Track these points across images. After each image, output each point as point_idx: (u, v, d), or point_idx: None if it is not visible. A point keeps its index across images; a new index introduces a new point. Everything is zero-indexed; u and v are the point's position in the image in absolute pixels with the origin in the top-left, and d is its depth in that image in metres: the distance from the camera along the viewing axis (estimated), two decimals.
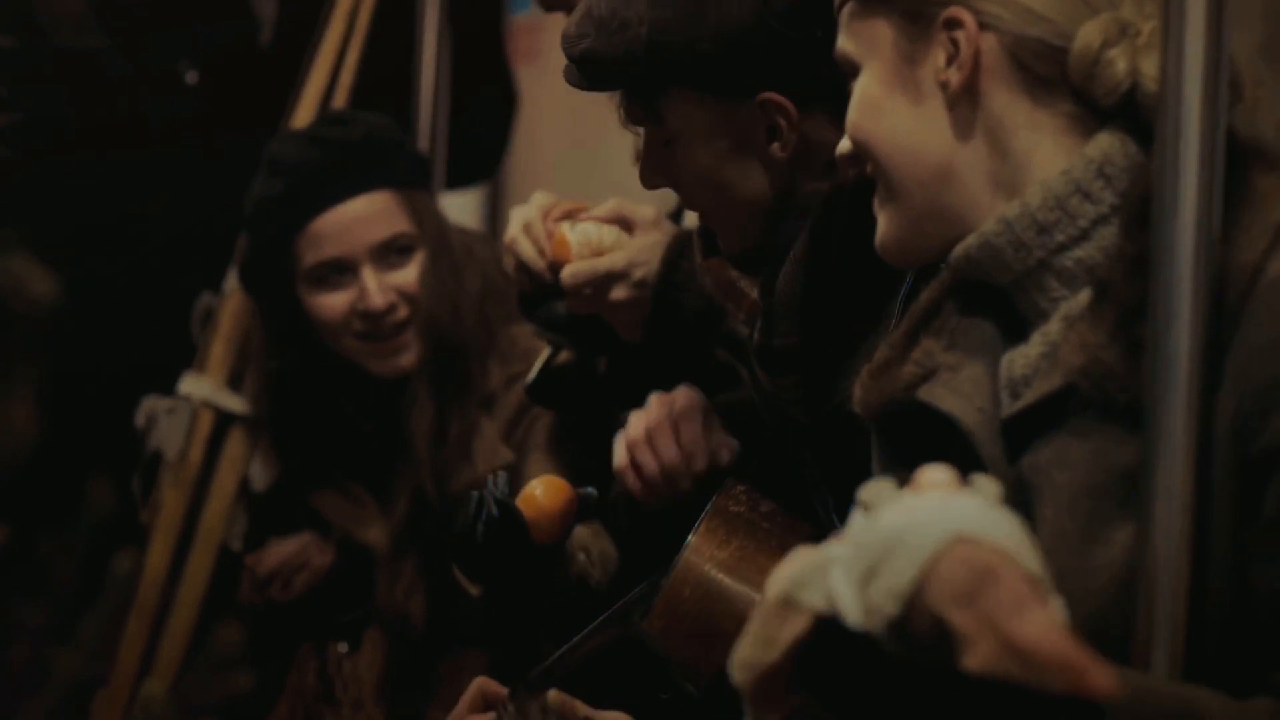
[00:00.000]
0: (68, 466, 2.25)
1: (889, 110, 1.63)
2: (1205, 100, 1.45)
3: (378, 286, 2.78)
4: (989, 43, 1.58)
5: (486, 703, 1.88)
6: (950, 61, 1.59)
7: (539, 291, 2.43)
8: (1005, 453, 1.56)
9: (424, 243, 2.81)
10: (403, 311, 2.80)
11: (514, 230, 2.45)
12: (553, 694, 1.73)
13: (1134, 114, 1.56)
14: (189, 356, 3.09)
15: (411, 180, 2.85)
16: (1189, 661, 1.45)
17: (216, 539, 3.00)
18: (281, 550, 2.90)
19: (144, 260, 3.14)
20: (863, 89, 1.66)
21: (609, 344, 2.40)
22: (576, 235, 2.32)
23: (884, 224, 1.67)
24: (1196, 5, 1.45)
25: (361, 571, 2.85)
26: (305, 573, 2.88)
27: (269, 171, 2.82)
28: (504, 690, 1.86)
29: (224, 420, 3.04)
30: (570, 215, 2.39)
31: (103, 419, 3.01)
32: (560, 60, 2.08)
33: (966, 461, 1.56)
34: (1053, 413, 1.53)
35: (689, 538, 1.81)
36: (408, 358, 2.81)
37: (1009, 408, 1.57)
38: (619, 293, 2.30)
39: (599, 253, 2.30)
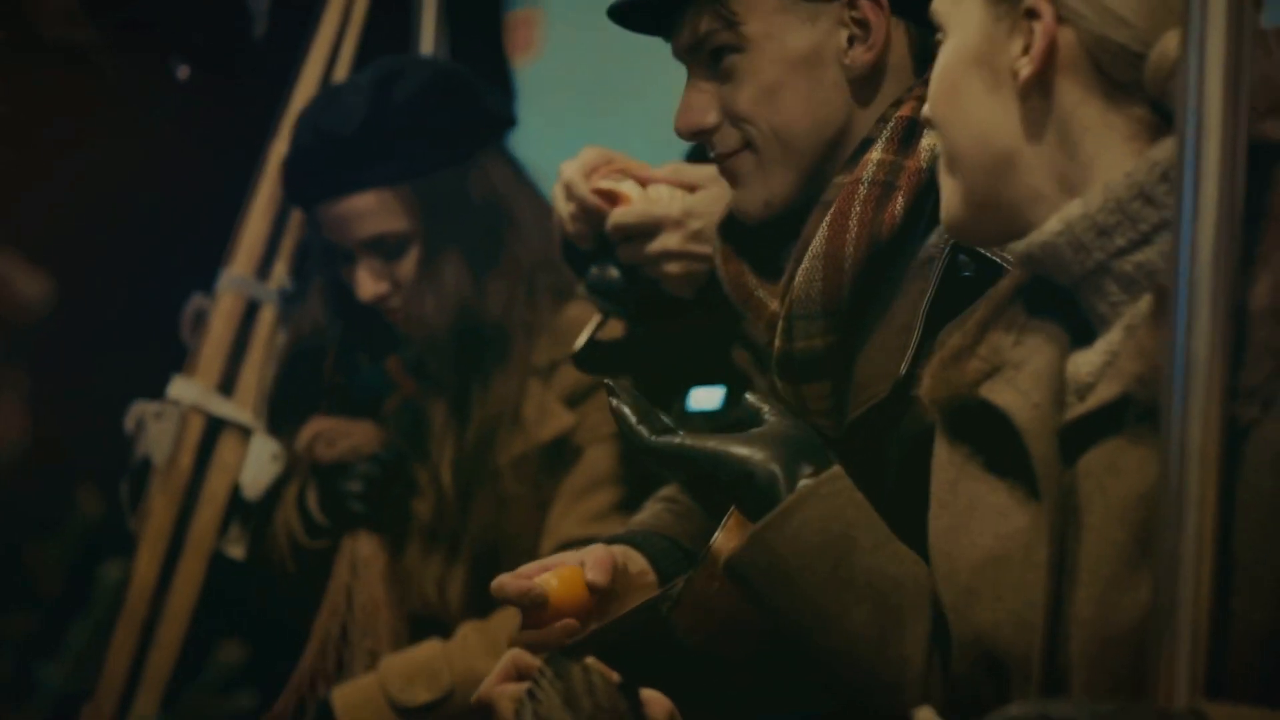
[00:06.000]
0: (55, 472, 2.20)
1: (964, 90, 1.60)
2: (1227, 101, 1.42)
3: (370, 276, 2.82)
4: (1067, 38, 1.55)
5: (519, 673, 1.85)
6: (1025, 51, 1.56)
7: (589, 252, 2.37)
8: (1063, 456, 1.54)
9: (420, 239, 2.80)
10: (396, 300, 2.84)
11: (562, 187, 2.38)
12: (590, 660, 1.70)
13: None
14: (179, 360, 3.05)
15: (419, 171, 2.81)
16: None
17: (207, 547, 2.95)
18: (337, 420, 2.93)
19: (134, 260, 3.10)
20: (944, 60, 1.63)
21: (661, 312, 2.34)
22: (648, 194, 2.28)
23: (946, 197, 1.65)
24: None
25: (401, 470, 2.88)
26: (351, 439, 2.89)
27: (292, 131, 2.86)
28: (536, 661, 1.81)
29: (214, 425, 2.99)
30: (621, 174, 2.34)
31: (91, 423, 2.96)
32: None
33: (1022, 456, 1.55)
34: (1112, 420, 1.51)
35: (717, 531, 1.76)
36: (407, 327, 2.86)
37: (1070, 412, 1.55)
38: (671, 240, 2.25)
39: None
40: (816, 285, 1.93)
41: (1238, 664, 1.42)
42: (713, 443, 1.71)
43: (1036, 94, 1.56)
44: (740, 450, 1.70)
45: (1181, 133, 1.44)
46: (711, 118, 2.02)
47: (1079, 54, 1.55)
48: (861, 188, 1.93)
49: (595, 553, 1.97)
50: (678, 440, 1.73)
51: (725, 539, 1.81)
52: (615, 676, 1.68)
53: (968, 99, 1.60)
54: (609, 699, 1.64)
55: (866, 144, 1.96)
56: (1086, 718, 1.34)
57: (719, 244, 2.10)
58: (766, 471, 1.68)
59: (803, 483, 1.67)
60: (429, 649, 2.76)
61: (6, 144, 3.11)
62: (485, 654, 2.71)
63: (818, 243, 1.93)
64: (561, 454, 2.80)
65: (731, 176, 2.05)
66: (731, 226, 2.09)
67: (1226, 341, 1.43)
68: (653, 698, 1.70)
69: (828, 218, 1.93)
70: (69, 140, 3.10)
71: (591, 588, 1.93)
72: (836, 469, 1.69)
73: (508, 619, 2.74)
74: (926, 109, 1.66)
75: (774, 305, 2.01)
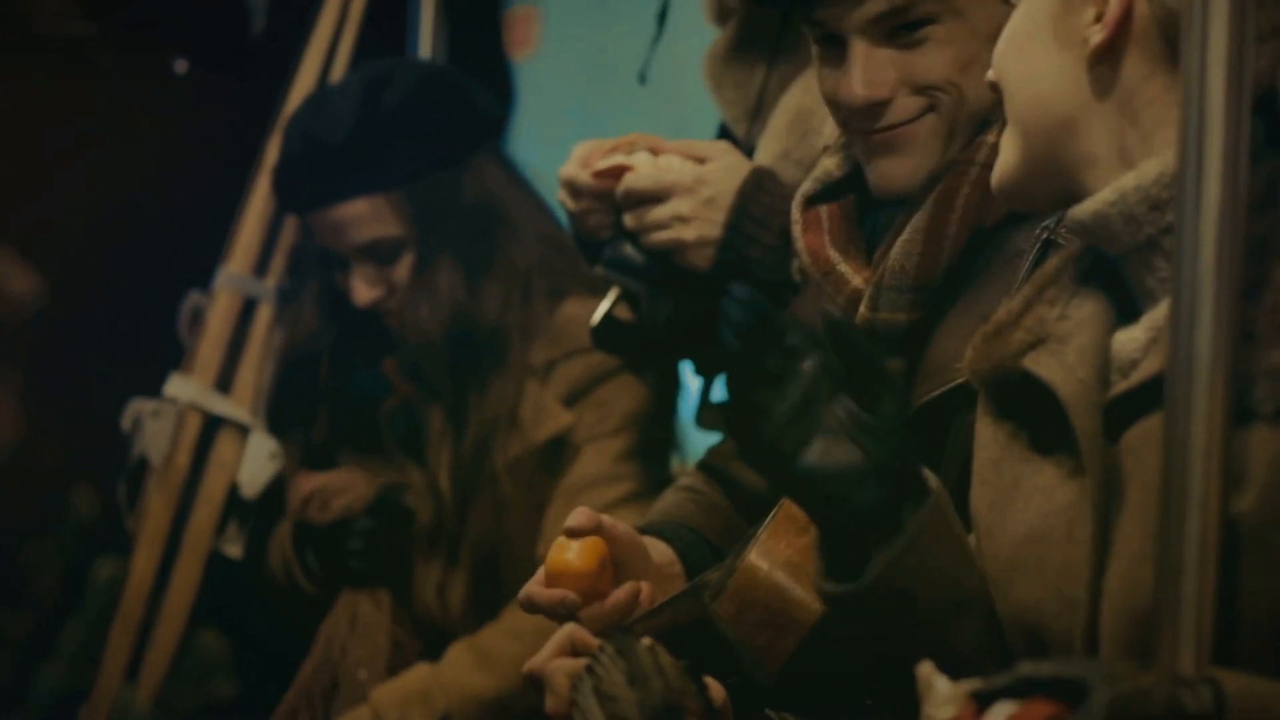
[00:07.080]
0: (51, 471, 2.19)
1: (1031, 51, 1.61)
2: (1230, 91, 1.42)
3: (364, 283, 2.81)
4: (1140, 9, 1.55)
5: (575, 650, 1.83)
6: (1098, 19, 1.56)
7: (607, 236, 2.38)
8: (1107, 432, 1.53)
9: (414, 243, 2.79)
10: (391, 304, 2.82)
11: (564, 188, 2.39)
12: (646, 640, 1.70)
13: (1271, 107, 1.53)
14: (176, 357, 3.03)
15: (411, 175, 2.79)
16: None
17: (205, 547, 2.93)
18: (328, 475, 2.89)
19: (131, 257, 3.09)
20: (1015, 22, 1.63)
21: (679, 286, 2.34)
22: (659, 162, 2.29)
23: (1002, 158, 1.64)
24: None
25: (398, 519, 2.85)
26: (345, 497, 2.86)
27: (281, 138, 2.85)
28: (594, 640, 1.81)
29: (212, 423, 2.98)
30: (631, 147, 2.34)
31: (87, 422, 2.96)
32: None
33: (1067, 431, 1.55)
34: (1155, 396, 1.50)
35: (766, 521, 1.75)
36: (403, 331, 2.84)
37: (1115, 389, 1.55)
38: (683, 205, 2.25)
39: None
40: (913, 259, 1.92)
41: (1246, 633, 1.42)
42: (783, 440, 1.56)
43: (1105, 62, 1.56)
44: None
45: (1185, 120, 1.43)
46: (889, 89, 1.98)
47: (1150, 26, 1.54)
48: (973, 169, 1.92)
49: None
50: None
51: (776, 527, 1.79)
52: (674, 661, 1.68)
53: (1034, 60, 1.60)
54: (679, 679, 1.64)
55: (984, 125, 1.95)
56: (1098, 678, 1.33)
57: (798, 215, 2.06)
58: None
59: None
60: (419, 674, 2.74)
61: (5, 143, 3.11)
62: (477, 669, 2.70)
63: (921, 217, 1.92)
64: (559, 454, 2.79)
65: (889, 147, 1.99)
66: (813, 199, 2.06)
67: (1234, 317, 1.42)
68: (711, 682, 1.70)
69: (935, 194, 1.93)
70: (67, 139, 3.10)
71: (571, 533, 1.91)
72: (929, 507, 1.58)
73: (497, 632, 2.73)
74: (991, 72, 1.66)
75: (857, 280, 1.98)
